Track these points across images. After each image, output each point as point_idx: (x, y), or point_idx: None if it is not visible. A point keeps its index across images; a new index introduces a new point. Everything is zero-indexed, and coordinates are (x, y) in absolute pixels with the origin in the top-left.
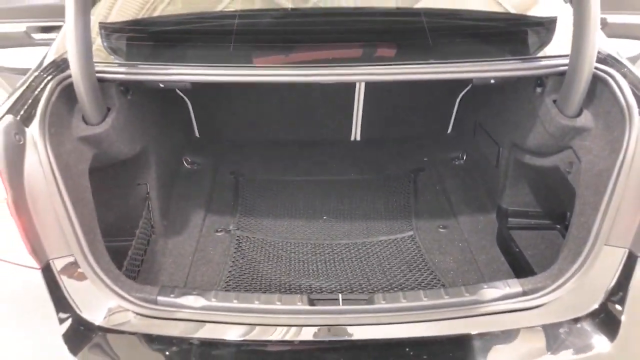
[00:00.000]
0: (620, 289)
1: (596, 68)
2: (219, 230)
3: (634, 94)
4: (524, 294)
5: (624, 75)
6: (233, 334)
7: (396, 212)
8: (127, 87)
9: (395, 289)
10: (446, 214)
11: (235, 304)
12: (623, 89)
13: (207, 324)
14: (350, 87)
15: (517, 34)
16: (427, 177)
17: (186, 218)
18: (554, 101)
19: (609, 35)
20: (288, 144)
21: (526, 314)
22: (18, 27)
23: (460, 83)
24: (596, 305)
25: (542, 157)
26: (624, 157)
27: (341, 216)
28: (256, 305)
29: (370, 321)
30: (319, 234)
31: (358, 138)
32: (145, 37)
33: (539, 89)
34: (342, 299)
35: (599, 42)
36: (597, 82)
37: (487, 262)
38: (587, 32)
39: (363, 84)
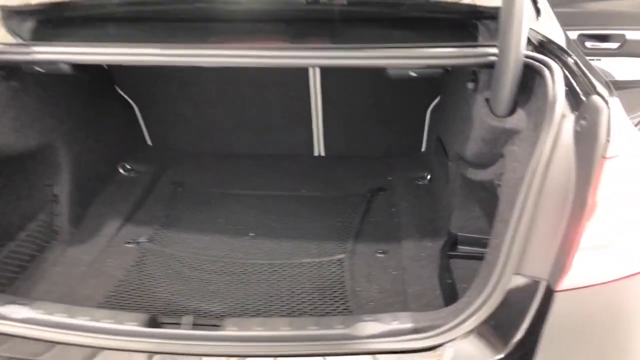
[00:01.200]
0: (531, 333)
1: (532, 58)
2: (130, 241)
3: (571, 86)
4: (415, 331)
5: (565, 65)
6: (40, 352)
7: (335, 233)
8: (8, 72)
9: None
10: (390, 238)
11: (58, 319)
12: (555, 79)
13: (15, 339)
14: (304, 95)
15: (460, 23)
16: (385, 197)
17: (99, 227)
18: (487, 100)
19: (628, 54)
20: (246, 157)
21: (411, 357)
22: None
23: (422, 91)
24: (501, 355)
25: (482, 170)
26: (538, 163)
27: (272, 234)
28: (78, 321)
29: (205, 351)
30: (238, 252)
31: (322, 153)
32: (41, 20)
33: (470, 85)
34: (193, 323)
35: (530, 25)
36: (535, 75)
37: (418, 295)
38: (512, 13)
39: (319, 93)
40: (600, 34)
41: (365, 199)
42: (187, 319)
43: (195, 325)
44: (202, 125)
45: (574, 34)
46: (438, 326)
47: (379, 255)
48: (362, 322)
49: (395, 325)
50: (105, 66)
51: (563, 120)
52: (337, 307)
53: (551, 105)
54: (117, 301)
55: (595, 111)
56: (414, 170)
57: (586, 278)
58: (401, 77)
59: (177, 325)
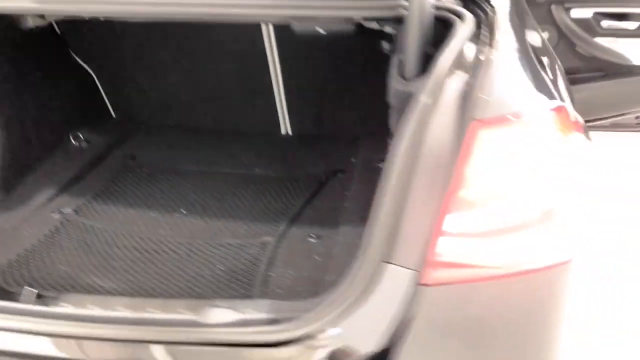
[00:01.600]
0: (392, 333)
1: (448, 9)
2: (56, 211)
3: (479, 41)
4: (270, 322)
5: (485, 14)
6: None
7: (270, 215)
8: None
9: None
10: (331, 222)
11: None
12: (464, 29)
13: None
14: (263, 66)
15: None
16: (342, 180)
17: (31, 195)
18: (401, 62)
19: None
20: (209, 132)
21: (259, 352)
22: None
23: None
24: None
25: None
26: (411, 128)
27: (204, 213)
28: None
29: (17, 326)
30: (160, 229)
31: (289, 132)
32: None
33: (386, 45)
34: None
35: None
36: (450, 30)
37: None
38: None
39: (278, 65)
40: (617, 13)
41: (319, 181)
42: (28, 292)
43: (39, 298)
44: (162, 96)
45: (588, 12)
46: (295, 318)
47: (310, 240)
48: (211, 307)
49: (249, 314)
50: (57, 29)
51: (450, 78)
52: (240, 292)
53: (438, 59)
54: (9, 271)
55: (477, 66)
56: (379, 153)
57: (462, 272)
58: (308, 33)
59: (16, 296)
